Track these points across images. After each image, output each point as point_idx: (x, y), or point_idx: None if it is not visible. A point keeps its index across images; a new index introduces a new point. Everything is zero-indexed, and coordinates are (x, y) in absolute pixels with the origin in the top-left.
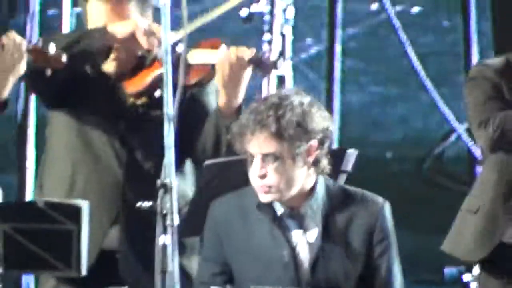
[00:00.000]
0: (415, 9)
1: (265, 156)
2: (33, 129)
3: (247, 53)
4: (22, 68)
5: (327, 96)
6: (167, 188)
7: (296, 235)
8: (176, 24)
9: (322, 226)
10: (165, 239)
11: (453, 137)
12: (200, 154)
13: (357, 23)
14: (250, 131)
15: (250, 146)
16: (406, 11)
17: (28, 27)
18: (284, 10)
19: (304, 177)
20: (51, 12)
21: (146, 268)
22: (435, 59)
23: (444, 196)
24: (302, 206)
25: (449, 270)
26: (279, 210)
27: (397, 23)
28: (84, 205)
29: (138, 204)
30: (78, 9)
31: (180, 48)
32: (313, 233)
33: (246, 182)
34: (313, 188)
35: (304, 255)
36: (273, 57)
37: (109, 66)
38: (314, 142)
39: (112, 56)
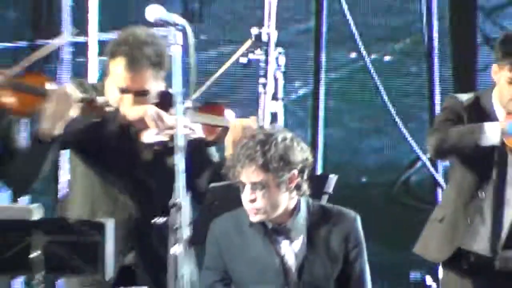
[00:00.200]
0: (387, 58)
1: (253, 185)
2: (65, 156)
3: (253, 123)
4: (72, 114)
5: (313, 130)
6: (178, 207)
7: (284, 246)
8: (185, 71)
9: (305, 238)
10: (177, 249)
11: (418, 165)
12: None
13: (339, 69)
14: (241, 165)
15: (241, 176)
16: (380, 59)
17: (59, 72)
18: (277, 58)
19: (287, 200)
20: (79, 59)
21: (157, 279)
22: (404, 99)
23: (410, 214)
24: (288, 221)
25: (414, 274)
26: (269, 225)
27: (372, 69)
28: (107, 222)
29: (153, 220)
30: (103, 58)
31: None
32: (298, 244)
33: (240, 202)
34: (296, 207)
35: (291, 262)
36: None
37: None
38: (295, 172)
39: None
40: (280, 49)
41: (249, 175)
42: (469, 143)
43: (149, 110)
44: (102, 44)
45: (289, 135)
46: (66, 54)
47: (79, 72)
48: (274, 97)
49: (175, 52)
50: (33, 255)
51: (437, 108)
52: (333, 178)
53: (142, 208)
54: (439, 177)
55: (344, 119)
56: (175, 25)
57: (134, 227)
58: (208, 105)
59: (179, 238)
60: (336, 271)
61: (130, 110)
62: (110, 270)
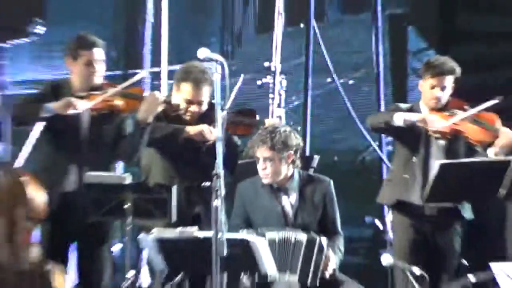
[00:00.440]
0: (351, 82)
1: (264, 159)
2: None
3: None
4: (159, 109)
5: (303, 127)
6: (218, 176)
7: (284, 199)
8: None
9: (298, 194)
10: (217, 203)
11: (370, 149)
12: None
13: (320, 88)
14: (257, 146)
15: (257, 153)
16: (346, 82)
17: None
18: (280, 82)
19: (286, 170)
20: (155, 82)
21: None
22: (361, 108)
23: (364, 181)
24: (287, 184)
25: (367, 218)
26: (274, 185)
27: (341, 89)
28: (173, 186)
29: (203, 184)
30: (171, 81)
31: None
32: (293, 198)
33: (256, 172)
34: (292, 175)
35: (289, 210)
36: None
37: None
38: (291, 151)
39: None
40: (282, 76)
41: (262, 152)
42: (384, 121)
43: (205, 128)
44: (170, 72)
45: (288, 128)
46: (147, 79)
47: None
48: (279, 106)
49: (216, 78)
50: (125, 206)
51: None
52: (316, 158)
53: (198, 177)
54: (384, 157)
55: (323, 120)
56: (216, 60)
57: (196, 189)
58: (246, 111)
59: (218, 196)
60: (318, 216)
61: (192, 129)
62: (174, 216)
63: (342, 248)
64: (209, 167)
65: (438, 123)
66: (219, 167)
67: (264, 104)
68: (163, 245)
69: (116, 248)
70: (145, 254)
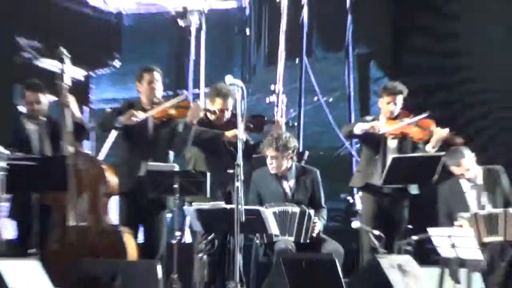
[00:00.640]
0: (330, 100)
1: (271, 157)
2: None
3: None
4: (201, 115)
5: (298, 131)
6: (238, 165)
7: (285, 184)
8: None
9: (294, 180)
10: (238, 184)
11: (344, 147)
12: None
13: (309, 104)
14: (266, 147)
15: (266, 152)
16: (327, 100)
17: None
18: (282, 100)
19: (286, 163)
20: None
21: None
22: (339, 119)
23: (340, 169)
24: (287, 173)
25: (343, 195)
26: (278, 174)
27: (324, 105)
28: (207, 172)
29: (229, 171)
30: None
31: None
32: (291, 183)
33: (266, 164)
34: (291, 167)
35: (288, 191)
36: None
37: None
38: (290, 151)
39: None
40: (283, 95)
41: (269, 152)
42: (349, 130)
43: (237, 132)
44: (205, 93)
45: (288, 134)
46: (190, 96)
47: None
48: (281, 116)
49: (238, 96)
50: (175, 186)
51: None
52: (306, 153)
53: (226, 167)
54: (354, 153)
55: (311, 126)
56: (237, 84)
57: (226, 175)
58: (257, 115)
59: (239, 179)
60: (308, 195)
61: (229, 133)
62: (208, 193)
63: (325, 217)
64: (233, 159)
65: (383, 128)
66: (239, 159)
67: (271, 115)
68: (200, 213)
69: (168, 215)
70: (188, 220)
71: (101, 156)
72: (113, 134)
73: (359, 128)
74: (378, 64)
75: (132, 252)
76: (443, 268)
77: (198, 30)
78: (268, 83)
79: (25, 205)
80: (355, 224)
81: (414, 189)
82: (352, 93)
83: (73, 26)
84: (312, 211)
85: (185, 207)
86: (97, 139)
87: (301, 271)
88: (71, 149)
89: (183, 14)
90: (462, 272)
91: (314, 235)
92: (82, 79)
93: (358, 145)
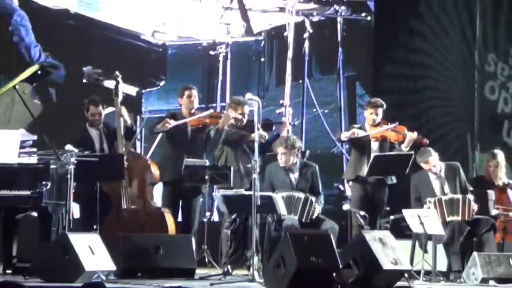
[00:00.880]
0: (326, 111)
1: (281, 154)
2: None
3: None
4: (231, 122)
5: (300, 135)
6: (255, 160)
7: (291, 175)
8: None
9: (298, 173)
10: (255, 176)
11: (336, 147)
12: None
13: (309, 114)
14: (277, 146)
15: (277, 150)
16: (324, 111)
17: None
18: (288, 111)
19: (293, 159)
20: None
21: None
22: (332, 126)
23: (334, 165)
24: (293, 167)
25: (336, 184)
26: (287, 167)
27: (321, 115)
28: (231, 167)
29: (248, 165)
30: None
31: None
32: (296, 175)
33: (277, 159)
34: (296, 162)
35: (293, 181)
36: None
37: None
38: (296, 150)
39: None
40: (290, 108)
41: (280, 150)
42: (338, 138)
43: (258, 134)
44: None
45: (295, 136)
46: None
47: None
48: (288, 124)
49: (255, 107)
50: (206, 177)
51: (343, 129)
52: (307, 151)
53: (245, 161)
54: (344, 152)
55: (311, 132)
56: (255, 99)
57: (244, 168)
58: (268, 120)
59: (255, 172)
60: (309, 185)
61: (253, 134)
62: (231, 183)
63: (322, 201)
64: (251, 155)
65: (361, 132)
66: (256, 156)
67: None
68: (226, 198)
69: (201, 199)
70: (216, 203)
71: (149, 154)
72: (158, 137)
73: (344, 136)
74: (362, 84)
75: (171, 229)
76: (414, 241)
77: (225, 58)
78: (278, 99)
79: (88, 192)
80: (345, 206)
81: (391, 180)
82: (342, 106)
83: (130, 55)
84: (313, 198)
85: (214, 193)
86: (146, 141)
87: (303, 243)
88: (123, 148)
89: (213, 45)
90: (429, 244)
91: (314, 217)
92: (135, 95)
93: (347, 146)
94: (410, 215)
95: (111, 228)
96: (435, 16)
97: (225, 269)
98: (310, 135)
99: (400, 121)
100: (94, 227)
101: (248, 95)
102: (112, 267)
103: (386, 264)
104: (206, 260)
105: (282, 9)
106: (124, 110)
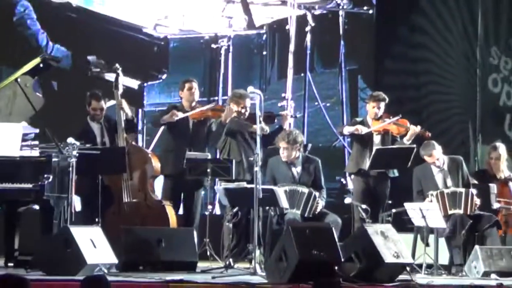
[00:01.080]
0: (328, 104)
1: (283, 148)
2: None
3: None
4: (234, 115)
5: (302, 128)
6: (257, 154)
7: (293, 169)
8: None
9: (301, 167)
10: (257, 169)
11: (338, 140)
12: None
13: (311, 108)
14: (280, 140)
15: (279, 145)
16: (325, 104)
17: None
18: (290, 104)
19: (295, 154)
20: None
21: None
22: (334, 119)
23: (336, 158)
24: (295, 161)
25: (338, 178)
26: (289, 161)
27: (323, 109)
28: (234, 159)
29: (250, 158)
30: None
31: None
32: (299, 169)
33: (279, 153)
34: (298, 156)
35: (296, 175)
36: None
37: None
38: (298, 145)
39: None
40: (291, 101)
41: (282, 144)
42: (340, 131)
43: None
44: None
45: (297, 131)
46: (221, 101)
47: None
48: (290, 117)
49: (257, 101)
50: (208, 170)
51: (345, 122)
52: (309, 145)
53: (248, 152)
54: (346, 145)
55: (313, 125)
56: (257, 93)
57: (248, 160)
58: (270, 112)
59: (257, 165)
60: (311, 179)
61: (255, 126)
62: (233, 176)
63: (325, 196)
64: (254, 146)
65: (364, 129)
66: (258, 149)
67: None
68: (227, 191)
69: (202, 192)
70: (218, 196)
71: (151, 147)
72: (160, 130)
73: (346, 130)
74: (363, 78)
75: (173, 222)
76: (416, 234)
77: (226, 51)
78: (279, 92)
79: (90, 184)
80: (347, 200)
81: (393, 173)
82: (344, 99)
83: (132, 48)
84: (317, 193)
85: (216, 186)
86: (147, 134)
87: (305, 236)
88: (123, 141)
89: (215, 38)
90: (431, 237)
91: (317, 212)
92: (137, 88)
93: (349, 139)
94: (412, 209)
95: (113, 221)
96: (436, 11)
97: (227, 262)
98: (312, 129)
99: (401, 116)
100: (96, 220)
101: (250, 89)
102: (114, 260)
103: (388, 258)
104: (208, 253)
105: (284, 2)
106: (124, 103)
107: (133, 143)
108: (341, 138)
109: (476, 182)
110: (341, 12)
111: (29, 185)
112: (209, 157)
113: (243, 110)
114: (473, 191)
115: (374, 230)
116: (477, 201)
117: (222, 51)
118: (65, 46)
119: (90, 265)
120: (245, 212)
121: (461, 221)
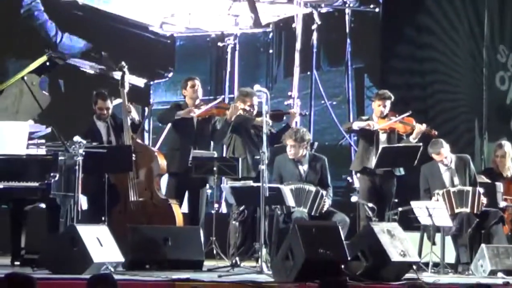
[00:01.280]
0: (334, 103)
1: (290, 146)
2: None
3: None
4: (239, 113)
5: (309, 127)
6: (263, 152)
7: (300, 167)
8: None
9: (308, 165)
10: (263, 167)
11: (344, 139)
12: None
13: (318, 106)
14: (287, 138)
15: (286, 142)
16: (332, 103)
17: None
18: (297, 103)
19: (302, 152)
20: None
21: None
22: (341, 117)
23: (342, 156)
24: (302, 159)
25: (344, 176)
26: (295, 159)
27: (329, 107)
28: (239, 157)
29: (257, 156)
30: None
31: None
32: (305, 167)
33: (285, 151)
34: (305, 154)
35: (303, 173)
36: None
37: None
38: (305, 143)
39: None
40: (298, 100)
41: (289, 142)
42: (349, 127)
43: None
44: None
45: (304, 129)
46: (227, 99)
47: None
48: (300, 115)
49: (263, 98)
50: (214, 168)
51: (351, 121)
52: (316, 143)
53: (253, 150)
54: (352, 143)
55: (319, 123)
56: (263, 91)
57: (253, 157)
58: (278, 110)
59: (264, 163)
60: (318, 177)
61: (258, 119)
62: (239, 174)
63: (331, 194)
64: (259, 146)
65: (376, 125)
66: (264, 148)
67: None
68: (234, 190)
69: (208, 191)
70: (224, 194)
71: (157, 145)
72: (166, 128)
73: (356, 125)
74: (370, 76)
75: (179, 220)
76: (422, 233)
77: (233, 49)
78: (286, 90)
79: (96, 183)
80: (354, 198)
81: (399, 171)
82: (350, 98)
83: (138, 46)
84: (324, 192)
85: (222, 184)
86: (154, 133)
87: (312, 235)
88: (130, 140)
89: (221, 37)
90: (438, 236)
91: (323, 211)
92: (143, 86)
93: (355, 138)
94: (418, 207)
95: (119, 219)
96: (442, 10)
97: (233, 261)
98: (318, 127)
99: (410, 113)
100: (102, 218)
101: (256, 87)
102: (120, 258)
103: (395, 256)
104: (214, 252)
105: (290, 1)
106: (132, 109)
107: (139, 141)
108: (348, 136)
109: (485, 178)
110: (347, 10)
111: (36, 184)
112: (215, 155)
113: (249, 108)
114: (480, 189)
115: (381, 229)
116: (484, 200)
117: (229, 49)
118: None
119: (96, 264)
120: (251, 211)
121: (467, 220)
